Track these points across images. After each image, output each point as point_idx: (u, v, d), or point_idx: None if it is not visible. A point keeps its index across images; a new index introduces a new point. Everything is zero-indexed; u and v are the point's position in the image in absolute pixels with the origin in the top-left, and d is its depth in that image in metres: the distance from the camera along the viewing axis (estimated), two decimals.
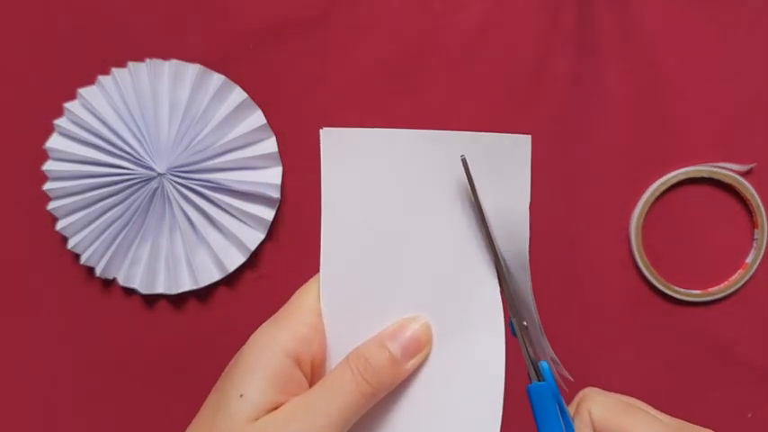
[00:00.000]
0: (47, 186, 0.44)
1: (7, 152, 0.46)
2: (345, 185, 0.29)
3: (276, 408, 0.27)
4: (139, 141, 0.43)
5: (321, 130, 0.29)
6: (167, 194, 0.43)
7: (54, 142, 0.44)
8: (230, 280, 0.45)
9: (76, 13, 0.45)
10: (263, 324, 0.29)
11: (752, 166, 0.45)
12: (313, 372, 0.29)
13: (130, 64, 0.44)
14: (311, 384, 0.28)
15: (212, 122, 0.43)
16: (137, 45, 0.44)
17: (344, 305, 0.29)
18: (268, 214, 0.44)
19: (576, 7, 0.44)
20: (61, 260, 0.46)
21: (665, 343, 0.46)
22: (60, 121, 0.44)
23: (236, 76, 0.44)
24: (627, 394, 0.31)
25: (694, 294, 0.46)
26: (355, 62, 0.45)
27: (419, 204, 0.29)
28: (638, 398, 0.31)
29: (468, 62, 0.44)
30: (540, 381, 0.28)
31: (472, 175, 0.28)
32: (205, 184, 0.43)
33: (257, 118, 0.44)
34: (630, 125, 0.45)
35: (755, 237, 0.46)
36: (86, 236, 0.44)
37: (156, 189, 0.43)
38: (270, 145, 0.44)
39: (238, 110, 0.44)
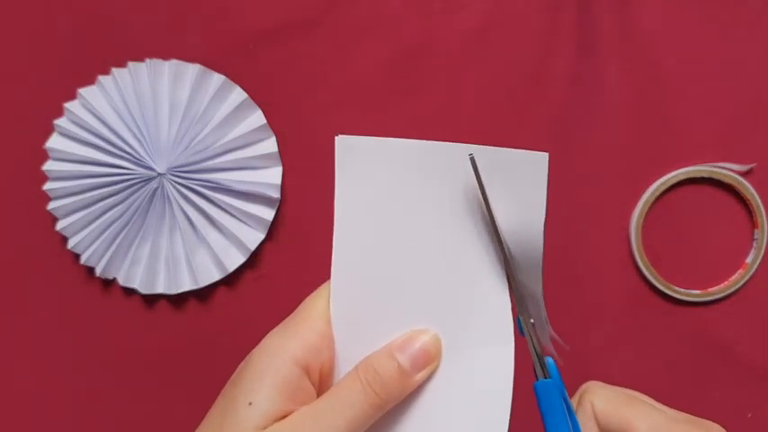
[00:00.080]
0: (47, 186, 0.44)
1: (7, 152, 0.46)
2: (359, 194, 0.29)
3: (284, 416, 0.26)
4: (139, 141, 0.43)
5: (336, 138, 0.29)
6: (167, 194, 0.43)
7: (54, 142, 0.44)
8: (230, 280, 0.45)
9: (76, 13, 0.45)
10: (272, 331, 0.29)
11: (752, 166, 0.45)
12: (321, 380, 0.29)
13: (130, 64, 0.44)
14: (319, 393, 0.28)
15: (212, 122, 0.43)
16: (137, 45, 0.44)
17: (354, 314, 0.29)
18: (268, 214, 0.44)
19: (575, 7, 0.44)
20: (61, 260, 0.46)
21: (665, 343, 0.46)
22: (60, 121, 0.44)
23: (236, 76, 0.44)
24: None
25: (694, 294, 0.46)
26: (355, 62, 0.45)
27: (431, 215, 0.29)
28: None
29: (468, 62, 0.44)
30: (546, 378, 0.28)
31: (485, 183, 0.28)
32: (205, 184, 0.43)
33: (257, 118, 0.44)
34: (630, 125, 0.45)
35: (755, 237, 0.46)
36: (86, 236, 0.44)
37: (156, 189, 0.43)
38: (270, 145, 0.44)
39: (238, 110, 0.44)
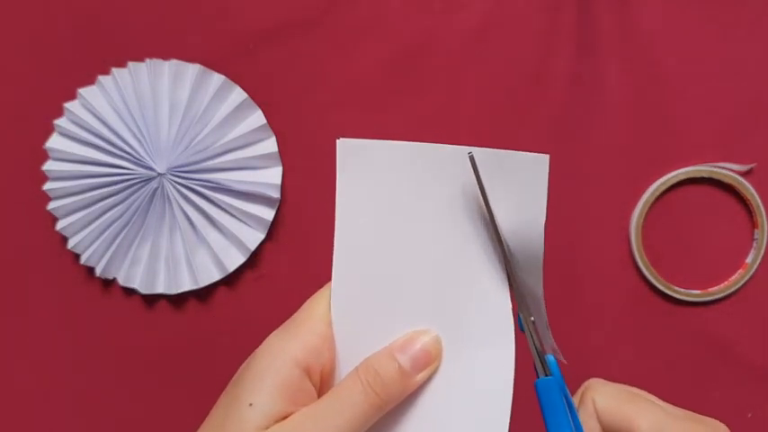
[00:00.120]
0: (47, 186, 0.44)
1: (7, 152, 0.46)
2: (360, 196, 0.29)
3: (285, 417, 0.27)
4: (139, 141, 0.43)
5: (338, 141, 0.29)
6: (167, 194, 0.43)
7: (54, 142, 0.44)
8: (230, 280, 0.45)
9: (76, 13, 0.45)
10: (274, 332, 0.29)
11: (752, 166, 0.45)
12: (322, 381, 0.29)
13: (130, 64, 0.44)
14: (320, 394, 0.28)
15: (212, 122, 0.43)
16: (137, 45, 0.44)
17: (355, 316, 0.29)
18: (268, 214, 0.44)
19: (576, 7, 0.44)
20: (61, 260, 0.46)
21: (665, 343, 0.46)
22: (60, 121, 0.44)
23: (236, 76, 0.44)
24: None
25: (694, 294, 0.46)
26: (355, 62, 0.45)
27: (432, 217, 0.29)
28: None
29: (468, 62, 0.44)
30: (547, 375, 0.28)
31: (485, 184, 0.28)
32: (205, 184, 0.43)
33: (257, 118, 0.44)
34: (630, 125, 0.45)
35: (755, 237, 0.46)
36: (86, 236, 0.44)
37: (156, 189, 0.43)
38: (270, 145, 0.44)
39: (238, 110, 0.44)
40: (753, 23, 0.44)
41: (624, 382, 0.30)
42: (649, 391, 0.30)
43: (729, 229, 0.46)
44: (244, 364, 0.29)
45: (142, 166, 0.43)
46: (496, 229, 0.29)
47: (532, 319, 0.29)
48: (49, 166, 0.44)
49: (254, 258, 0.45)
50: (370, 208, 0.29)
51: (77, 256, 0.45)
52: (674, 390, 0.46)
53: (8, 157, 0.46)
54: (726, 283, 0.46)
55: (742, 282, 0.46)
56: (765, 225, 0.45)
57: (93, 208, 0.43)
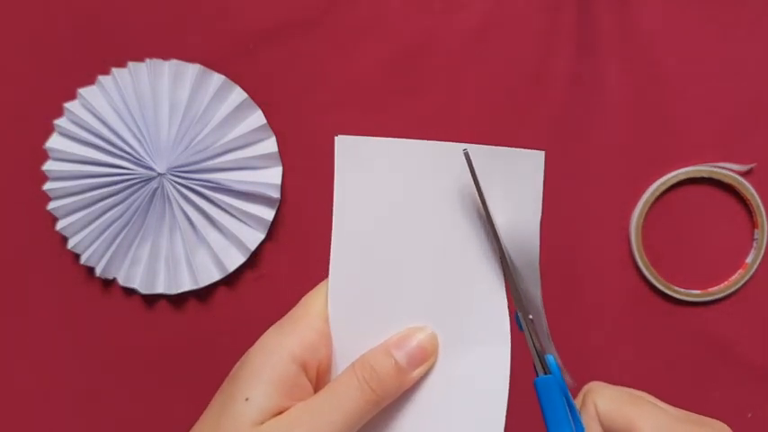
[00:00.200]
0: (47, 186, 0.44)
1: (7, 152, 0.46)
2: (357, 193, 0.29)
3: (281, 412, 0.27)
4: (139, 141, 0.43)
5: (336, 138, 0.29)
6: (167, 194, 0.43)
7: (54, 142, 0.44)
8: (230, 280, 0.45)
9: (76, 13, 0.45)
10: (271, 328, 0.29)
11: (752, 166, 0.45)
12: (318, 377, 0.29)
13: (130, 64, 0.44)
14: (316, 390, 0.28)
15: (212, 122, 0.43)
16: (137, 45, 0.44)
17: (352, 312, 0.30)
18: (268, 214, 0.44)
19: (576, 7, 0.44)
20: (61, 260, 0.46)
21: (665, 343, 0.46)
22: (60, 121, 0.44)
23: (236, 76, 0.44)
24: None
25: (694, 294, 0.46)
26: (355, 62, 0.45)
27: (429, 214, 0.29)
28: None
29: (468, 62, 0.44)
30: (546, 374, 0.28)
31: (480, 181, 0.28)
32: (205, 184, 0.43)
33: (257, 118, 0.44)
34: (630, 125, 0.45)
35: (755, 237, 0.46)
36: (86, 236, 0.44)
37: (156, 189, 0.43)
38: (270, 145, 0.44)
39: (238, 110, 0.44)
40: (753, 23, 0.44)
41: (624, 383, 0.30)
42: (649, 392, 0.30)
43: (729, 229, 0.46)
44: (240, 361, 0.29)
45: (142, 166, 0.43)
46: (493, 226, 0.29)
47: (531, 317, 0.29)
48: (49, 166, 0.44)
49: (254, 258, 0.45)
50: (367, 204, 0.29)
51: (77, 256, 0.45)
52: (674, 390, 0.46)
53: (8, 157, 0.46)
54: (726, 283, 0.46)
55: (742, 282, 0.46)
56: (765, 225, 0.45)
57: (93, 208, 0.43)
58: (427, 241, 0.29)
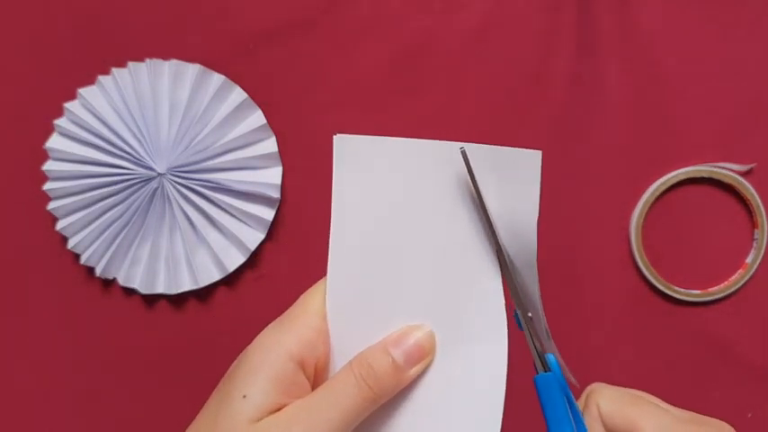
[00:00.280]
0: (47, 186, 0.44)
1: (7, 152, 0.46)
2: (356, 192, 0.29)
3: (278, 410, 0.27)
4: (139, 141, 0.43)
5: (334, 137, 0.29)
6: (167, 194, 0.43)
7: (54, 142, 0.44)
8: (230, 280, 0.45)
9: (76, 13, 0.45)
10: (269, 326, 0.29)
11: (752, 166, 0.45)
12: (316, 375, 0.29)
13: (130, 64, 0.44)
14: (314, 388, 0.28)
15: (212, 122, 0.43)
16: (137, 45, 0.44)
17: (350, 310, 0.30)
18: (268, 214, 0.44)
19: (576, 7, 0.44)
20: (61, 260, 0.46)
21: (665, 343, 0.46)
22: (60, 121, 0.44)
23: (236, 76, 0.44)
24: None
25: (694, 294, 0.46)
26: (355, 62, 0.45)
27: (427, 213, 0.29)
28: None
29: (468, 62, 0.44)
30: (545, 371, 0.28)
31: (478, 180, 0.28)
32: (205, 184, 0.43)
33: (257, 118, 0.44)
34: (630, 125, 0.45)
35: (755, 237, 0.46)
36: (86, 236, 0.44)
37: (156, 189, 0.43)
38: (270, 145, 0.44)
39: (238, 110, 0.44)
40: (753, 23, 0.44)
41: (624, 383, 0.30)
42: (649, 392, 0.30)
43: (729, 229, 0.46)
44: (238, 358, 0.29)
45: (142, 166, 0.43)
46: (490, 225, 0.29)
47: (530, 315, 0.29)
48: (49, 166, 0.44)
49: (254, 258, 0.45)
50: (365, 203, 0.29)
51: (77, 256, 0.45)
52: (674, 390, 0.46)
53: (8, 157, 0.46)
54: (726, 283, 0.46)
55: (742, 282, 0.46)
56: (765, 225, 0.45)
57: (93, 208, 0.43)
58: (425, 240, 0.29)
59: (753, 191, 0.45)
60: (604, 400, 0.29)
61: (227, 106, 0.44)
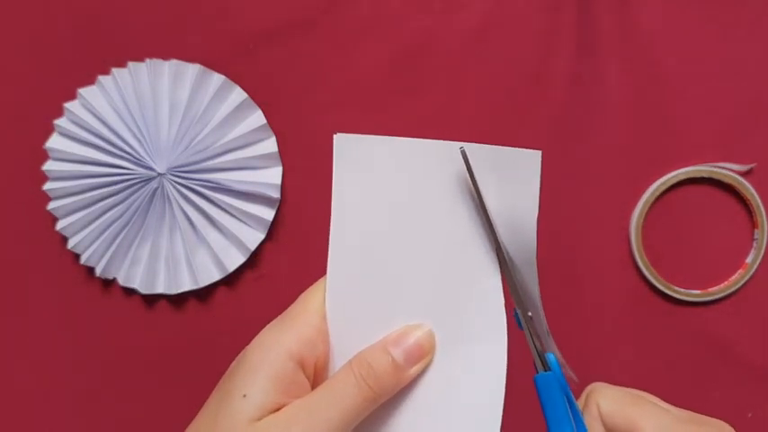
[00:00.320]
0: (47, 186, 0.44)
1: (7, 152, 0.46)
2: (356, 191, 0.29)
3: (278, 409, 0.27)
4: (139, 141, 0.43)
5: (335, 136, 0.29)
6: (167, 194, 0.43)
7: (54, 142, 0.44)
8: (230, 280, 0.45)
9: (76, 13, 0.45)
10: (268, 325, 0.29)
11: (752, 166, 0.45)
12: (316, 374, 0.29)
13: (130, 64, 0.44)
14: (313, 387, 0.28)
15: (212, 122, 0.43)
16: (137, 45, 0.44)
17: (350, 309, 0.30)
18: (268, 214, 0.44)
19: (576, 7, 0.44)
20: (61, 260, 0.46)
21: (665, 343, 0.46)
22: (60, 121, 0.44)
23: (236, 76, 0.44)
24: None
25: (694, 294, 0.46)
26: (355, 62, 0.45)
27: (427, 212, 0.29)
28: None
29: (468, 62, 0.44)
30: (545, 370, 0.28)
31: (478, 180, 0.28)
32: (205, 184, 0.43)
33: (257, 118, 0.44)
34: (630, 125, 0.45)
35: (755, 237, 0.46)
36: (86, 236, 0.44)
37: (156, 189, 0.43)
38: (270, 145, 0.44)
39: (238, 110, 0.44)
40: (753, 23, 0.44)
41: (624, 383, 0.30)
42: (649, 392, 0.30)
43: (729, 229, 0.46)
44: (237, 357, 0.29)
45: (142, 166, 0.43)
46: (490, 224, 0.29)
47: (530, 314, 0.29)
48: (49, 166, 0.44)
49: (254, 258, 0.45)
50: (365, 202, 0.29)
51: (77, 256, 0.45)
52: (674, 390, 0.46)
53: (8, 157, 0.46)
54: (726, 283, 0.46)
55: (742, 282, 0.46)
56: (765, 225, 0.45)
57: (93, 208, 0.43)
58: (425, 239, 0.30)
59: (753, 191, 0.45)
60: (605, 400, 0.29)
61: (227, 106, 0.44)
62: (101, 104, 0.43)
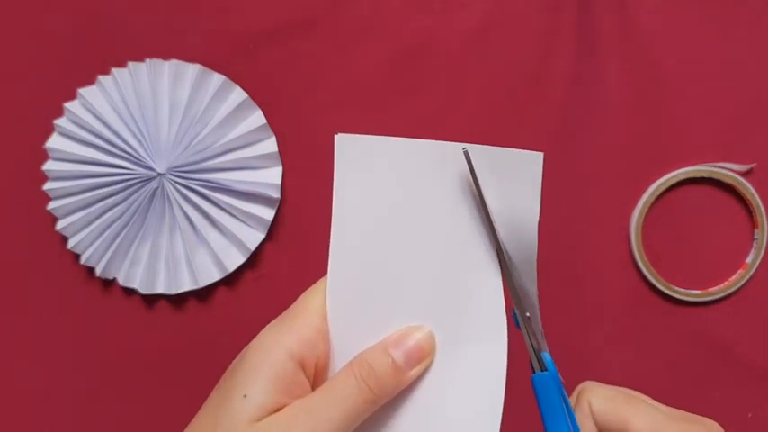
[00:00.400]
0: (47, 186, 0.44)
1: (7, 152, 0.46)
2: (357, 191, 0.29)
3: (279, 409, 0.27)
4: (139, 141, 0.43)
5: (336, 136, 0.29)
6: (167, 194, 0.43)
7: (54, 142, 0.44)
8: (230, 280, 0.45)
9: (76, 13, 0.45)
10: (269, 325, 0.29)
11: (752, 166, 0.45)
12: (316, 374, 0.29)
13: (130, 64, 0.44)
14: (314, 387, 0.28)
15: (212, 122, 0.43)
16: (137, 45, 0.44)
17: (350, 310, 0.30)
18: (268, 214, 0.44)
19: (576, 7, 0.44)
20: (61, 260, 0.46)
21: (665, 343, 0.46)
22: (60, 121, 0.44)
23: (236, 76, 0.44)
24: None
25: (694, 294, 0.46)
26: (355, 62, 0.45)
27: (428, 213, 0.29)
28: None
29: (468, 62, 0.44)
30: (543, 371, 0.28)
31: (480, 181, 0.28)
32: (205, 184, 0.43)
33: (257, 118, 0.44)
34: (630, 125, 0.45)
35: (755, 237, 0.46)
36: (86, 236, 0.44)
37: (156, 189, 0.43)
38: (270, 145, 0.44)
39: (238, 110, 0.44)
40: (753, 23, 0.44)
41: (624, 383, 0.30)
42: (649, 392, 0.31)
43: (729, 229, 0.46)
44: (237, 357, 0.29)
45: (142, 166, 0.43)
46: (491, 226, 0.29)
47: (528, 315, 0.29)
48: (49, 166, 0.44)
49: (254, 258, 0.45)
50: (366, 202, 0.29)
51: (77, 256, 0.45)
52: (674, 390, 0.46)
53: (8, 157, 0.46)
54: (726, 283, 0.46)
55: (742, 282, 0.46)
56: (765, 225, 0.45)
57: (93, 208, 0.43)
58: (426, 240, 0.29)
59: (753, 191, 0.45)
60: (597, 399, 0.29)
61: (227, 106, 0.44)
62: (101, 104, 0.43)
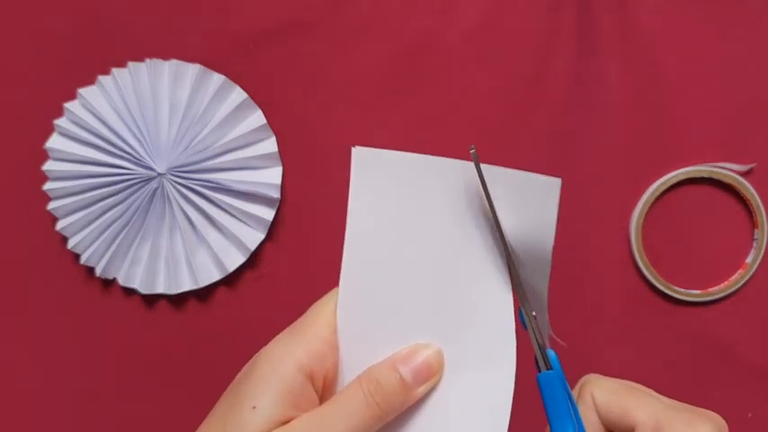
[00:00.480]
0: (47, 186, 0.44)
1: (7, 152, 0.46)
2: (372, 205, 0.29)
3: (287, 422, 0.27)
4: (139, 141, 0.43)
5: (353, 149, 0.29)
6: (167, 194, 0.43)
7: (54, 142, 0.44)
8: (230, 280, 0.45)
9: (76, 13, 0.45)
10: (278, 336, 0.29)
11: (752, 166, 0.45)
12: (324, 387, 0.29)
13: (130, 64, 0.44)
14: (322, 400, 0.28)
15: (212, 122, 0.43)
16: (137, 45, 0.44)
17: (360, 324, 0.29)
18: (268, 214, 0.44)
19: (576, 7, 0.44)
20: (61, 260, 0.46)
21: (665, 343, 0.46)
22: (60, 121, 0.44)
23: (236, 76, 0.44)
24: None
25: (694, 294, 0.46)
26: (355, 62, 0.45)
27: (442, 230, 0.29)
28: None
29: (468, 62, 0.44)
30: (548, 369, 0.28)
31: (495, 203, 0.28)
32: (205, 184, 0.43)
33: (257, 118, 0.44)
34: (630, 125, 0.45)
35: (755, 237, 0.46)
36: (86, 236, 0.44)
37: (156, 189, 0.43)
38: (270, 145, 0.44)
39: (238, 110, 0.44)
40: (753, 23, 0.44)
41: None
42: None
43: (729, 229, 0.46)
44: (246, 367, 0.29)
45: (142, 166, 0.43)
46: (505, 245, 0.29)
47: (534, 314, 0.29)
48: (49, 166, 0.44)
49: (254, 258, 0.45)
50: (381, 217, 0.29)
51: (77, 256, 0.45)
52: (674, 390, 0.46)
53: (8, 157, 0.46)
54: (726, 283, 0.46)
55: (742, 282, 0.46)
56: (765, 225, 0.45)
57: (93, 208, 0.43)
58: (439, 257, 0.29)
59: (753, 191, 0.45)
60: (600, 391, 0.29)
61: (227, 106, 0.44)
62: (101, 104, 0.43)
